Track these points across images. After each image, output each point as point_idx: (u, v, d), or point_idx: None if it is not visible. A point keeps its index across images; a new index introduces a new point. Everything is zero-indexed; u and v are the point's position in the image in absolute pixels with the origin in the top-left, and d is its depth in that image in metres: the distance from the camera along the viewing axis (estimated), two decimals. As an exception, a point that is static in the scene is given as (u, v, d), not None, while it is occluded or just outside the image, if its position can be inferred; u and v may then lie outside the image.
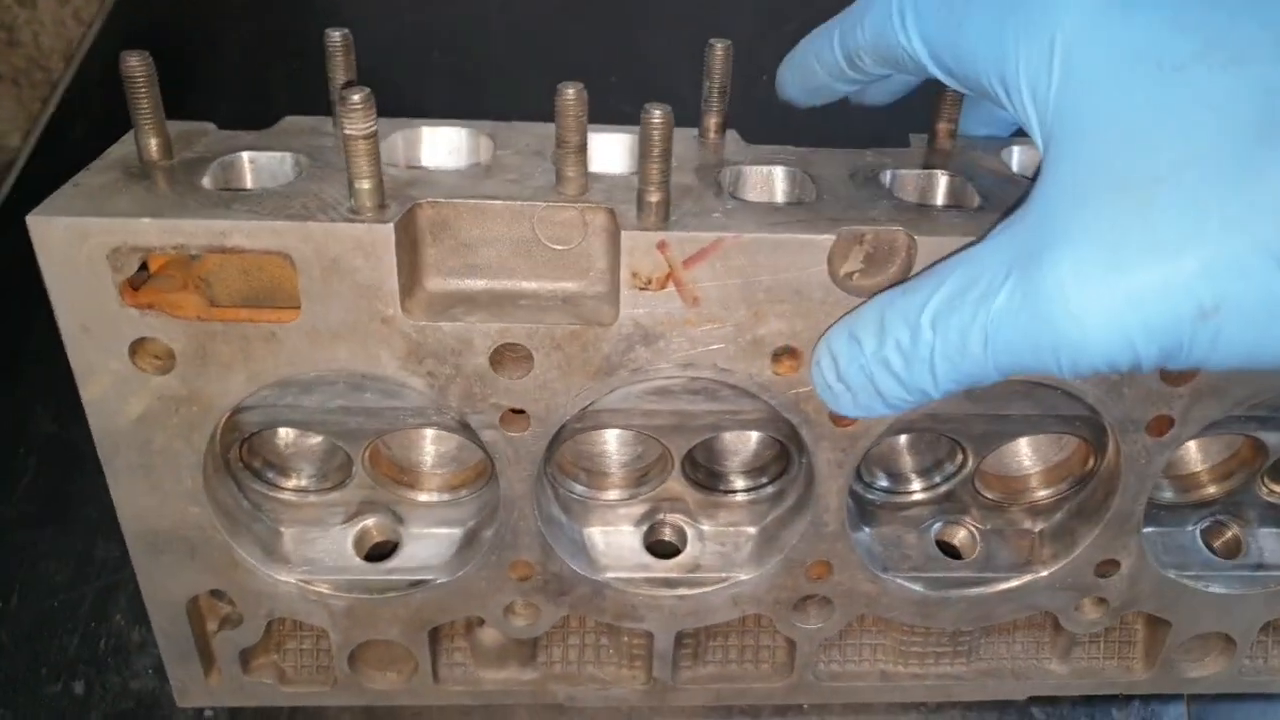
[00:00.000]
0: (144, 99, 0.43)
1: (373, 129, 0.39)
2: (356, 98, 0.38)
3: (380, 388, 0.46)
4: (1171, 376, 0.46)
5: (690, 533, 0.53)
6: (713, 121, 0.50)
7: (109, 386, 0.43)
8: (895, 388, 0.39)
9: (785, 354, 0.44)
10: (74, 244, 0.40)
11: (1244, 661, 0.57)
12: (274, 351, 0.43)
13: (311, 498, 0.51)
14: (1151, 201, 0.32)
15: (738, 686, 0.56)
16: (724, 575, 0.52)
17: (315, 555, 0.51)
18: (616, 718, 0.56)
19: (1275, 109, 0.31)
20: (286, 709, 0.55)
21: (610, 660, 0.56)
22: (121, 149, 0.45)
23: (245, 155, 0.46)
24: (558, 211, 0.43)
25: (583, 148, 0.43)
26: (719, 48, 0.49)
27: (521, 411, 0.45)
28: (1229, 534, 0.55)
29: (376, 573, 0.51)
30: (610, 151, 0.50)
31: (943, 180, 0.49)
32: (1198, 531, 0.55)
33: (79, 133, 0.96)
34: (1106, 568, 0.52)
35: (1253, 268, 0.31)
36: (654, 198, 0.41)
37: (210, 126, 0.49)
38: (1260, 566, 0.54)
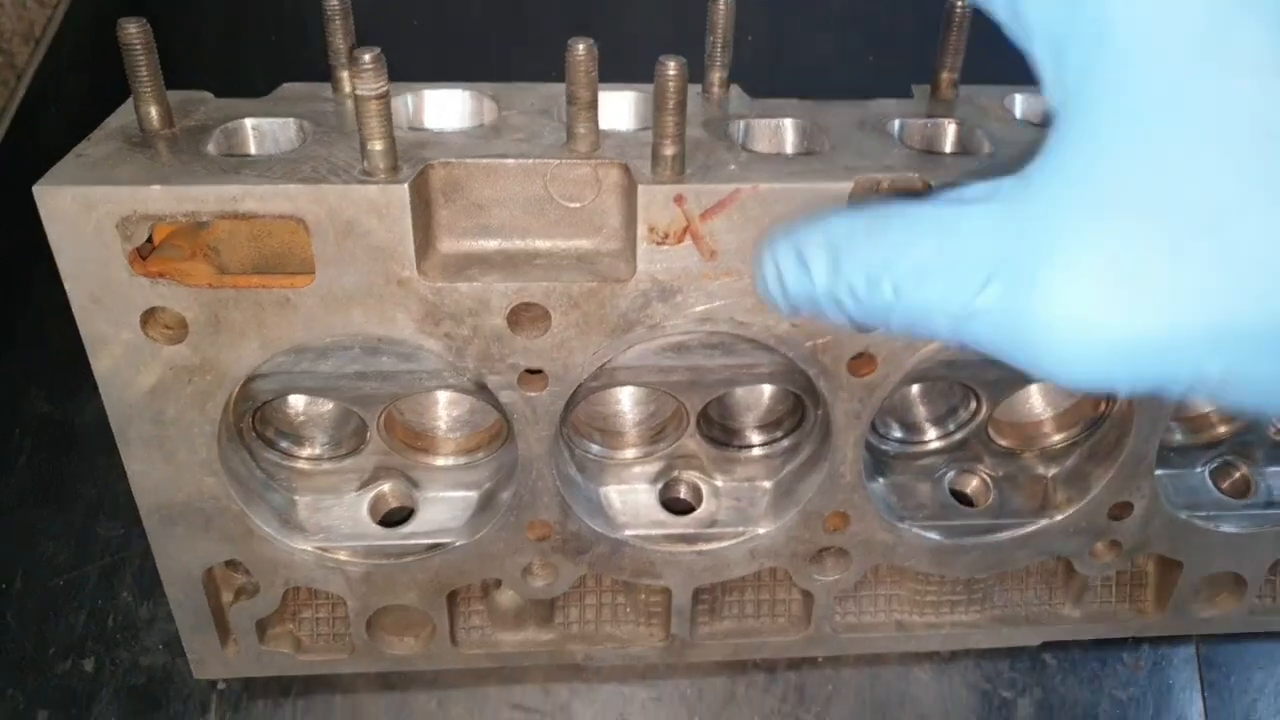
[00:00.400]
0: (143, 67, 0.42)
1: (385, 89, 0.39)
2: (368, 58, 0.38)
3: (396, 351, 0.46)
4: None
5: (706, 489, 0.53)
6: (717, 76, 0.50)
7: (121, 358, 0.43)
8: (843, 320, 0.34)
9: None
10: (82, 213, 0.39)
11: (1254, 600, 0.58)
12: (288, 317, 0.42)
13: (326, 465, 0.51)
14: (1183, 245, 0.26)
15: (754, 641, 0.56)
16: (741, 530, 0.52)
17: (331, 522, 0.51)
18: (634, 675, 0.56)
19: None
20: (301, 678, 0.55)
21: (628, 619, 0.56)
22: (120, 119, 0.44)
23: (248, 122, 0.45)
24: (571, 168, 0.43)
25: (594, 104, 0.42)
26: (722, 3, 0.48)
27: (539, 371, 0.45)
28: (1238, 474, 0.55)
29: (393, 538, 0.51)
30: (616, 110, 0.50)
31: (950, 128, 0.49)
32: (1207, 472, 0.56)
33: (51, 119, 0.94)
34: (1120, 510, 0.52)
35: (1271, 341, 0.26)
36: (669, 151, 0.41)
37: (207, 95, 0.48)
38: (1270, 504, 0.55)
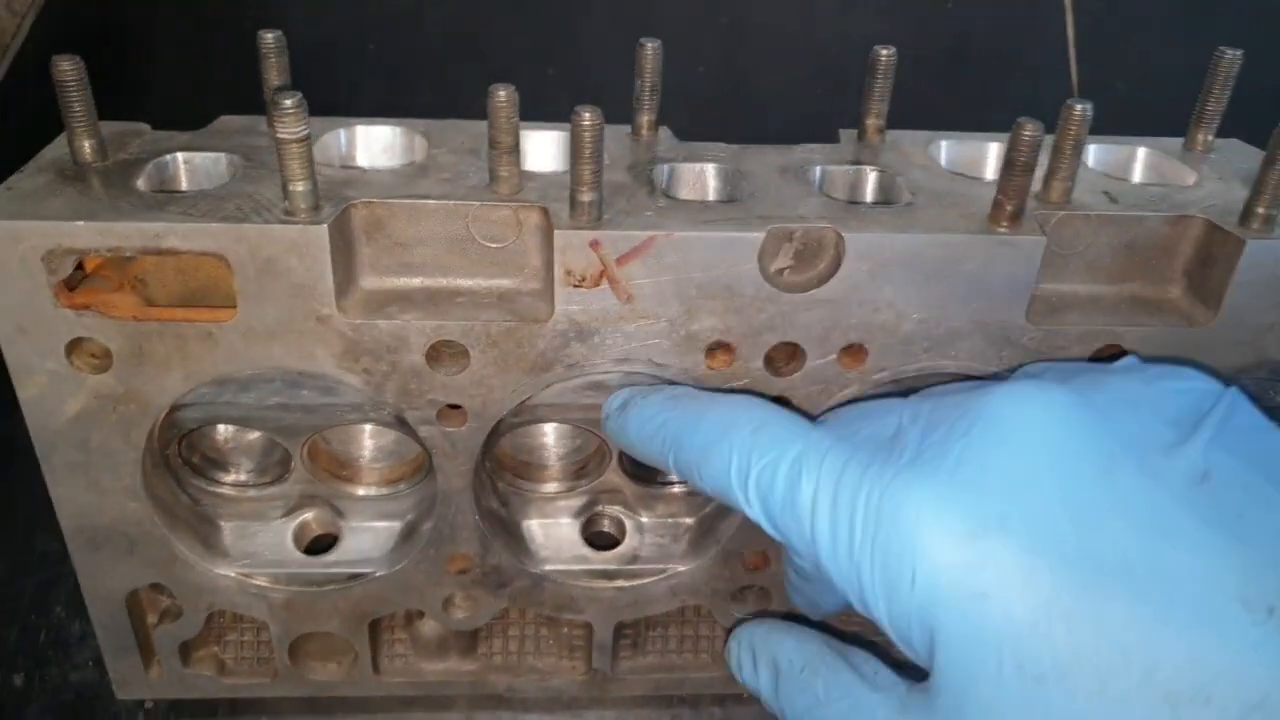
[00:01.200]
0: (76, 102, 0.43)
1: (305, 133, 0.40)
2: (289, 103, 0.39)
3: (317, 384, 0.47)
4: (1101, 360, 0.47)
5: (629, 524, 0.54)
6: (645, 119, 0.51)
7: (46, 386, 0.43)
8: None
9: (719, 348, 0.45)
10: (8, 247, 0.40)
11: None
12: (210, 350, 0.43)
13: (250, 492, 0.52)
14: None
15: (677, 676, 0.57)
16: (662, 566, 0.53)
17: (255, 549, 0.51)
18: (556, 708, 0.57)
19: None
20: (226, 700, 0.56)
21: (550, 651, 0.57)
22: (55, 151, 0.45)
23: (180, 156, 0.46)
24: (491, 210, 0.44)
25: (515, 148, 0.43)
26: (649, 47, 0.49)
27: (458, 407, 0.46)
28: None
29: (316, 566, 0.51)
30: (545, 149, 0.51)
31: (871, 176, 0.50)
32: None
33: (11, 133, 0.95)
34: None
35: None
36: (586, 198, 0.42)
37: (144, 127, 0.49)
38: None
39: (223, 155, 0.47)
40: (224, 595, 0.51)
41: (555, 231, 0.42)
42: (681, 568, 0.52)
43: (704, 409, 0.42)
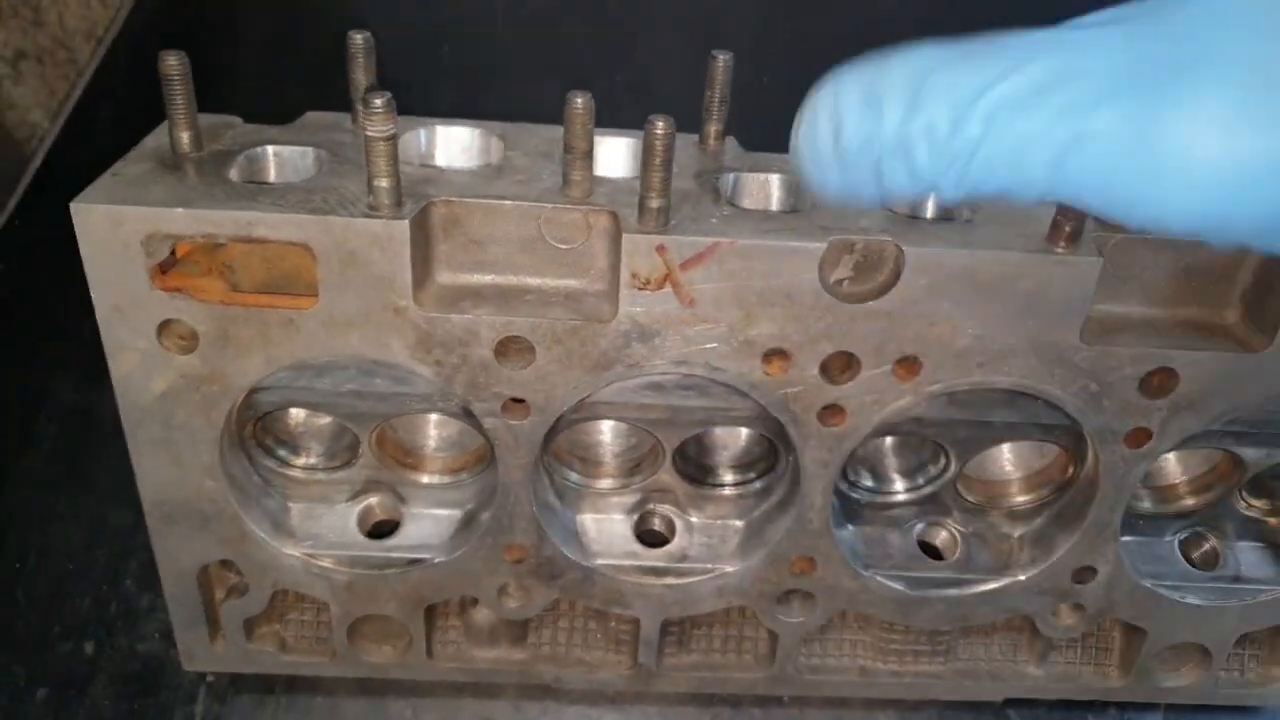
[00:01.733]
0: (179, 95, 0.46)
1: (392, 132, 0.42)
2: (379, 102, 0.41)
3: (390, 374, 0.49)
4: (1151, 388, 0.48)
5: (679, 523, 0.56)
6: (713, 129, 0.52)
7: (136, 364, 0.46)
8: (903, 178, 0.30)
9: (776, 355, 0.46)
10: (111, 230, 0.42)
11: (1220, 673, 0.59)
12: (291, 336, 0.45)
13: (319, 475, 0.54)
14: None
15: (720, 675, 0.58)
16: (710, 566, 0.54)
17: (320, 530, 0.54)
18: (601, 701, 0.58)
19: None
20: (284, 677, 0.58)
21: (597, 645, 0.58)
22: (155, 140, 0.48)
23: (270, 149, 0.49)
24: (563, 213, 0.46)
25: (588, 154, 0.45)
26: (720, 60, 0.51)
27: (522, 400, 0.47)
28: (1207, 546, 0.57)
29: (377, 549, 0.53)
30: (616, 156, 0.53)
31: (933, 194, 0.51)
32: (1176, 542, 0.57)
33: (105, 116, 0.99)
34: (1084, 574, 0.54)
35: None
36: (654, 203, 0.44)
37: (237, 120, 0.51)
38: (1237, 579, 0.56)
39: (310, 149, 0.49)
40: (289, 574, 0.53)
41: (623, 235, 0.43)
42: (729, 568, 0.54)
43: None
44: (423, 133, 0.52)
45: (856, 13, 0.96)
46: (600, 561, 0.54)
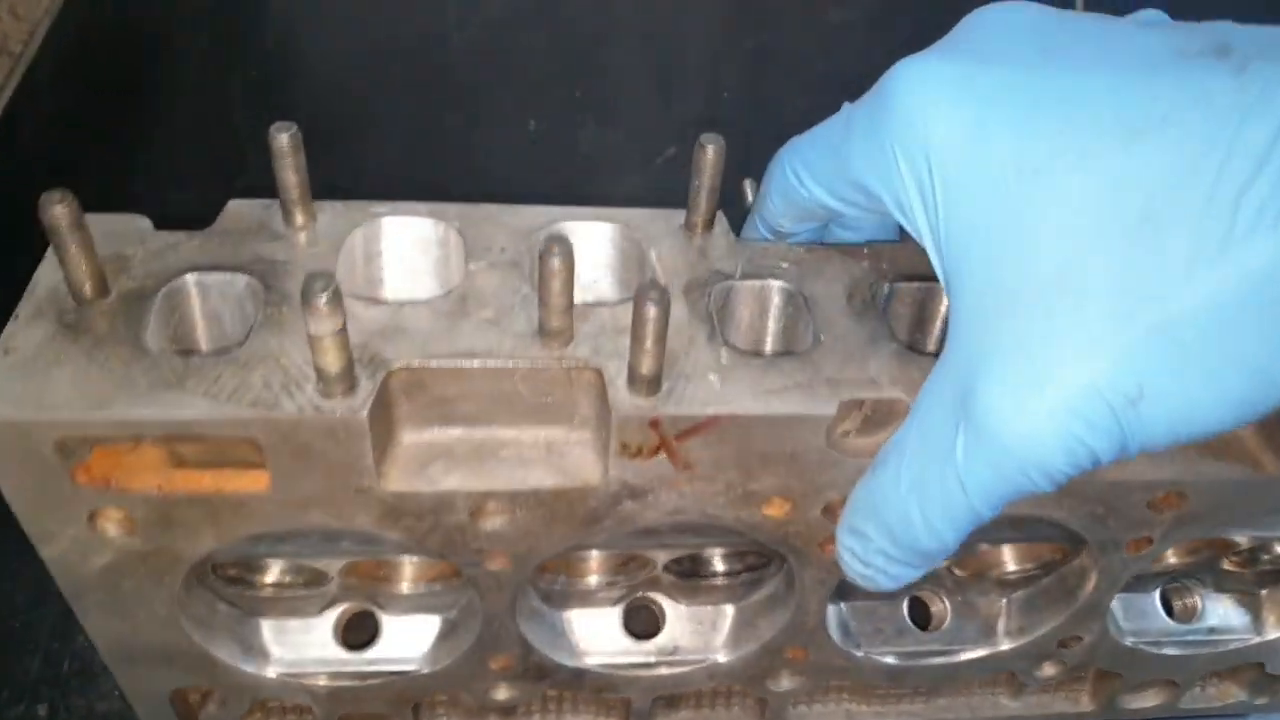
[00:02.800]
0: (72, 245, 0.38)
1: (341, 325, 0.36)
2: (322, 300, 0.35)
3: (357, 536, 0.44)
4: (1158, 506, 0.46)
5: (669, 612, 0.54)
6: (700, 220, 0.46)
7: (69, 548, 0.41)
8: (916, 560, 0.40)
9: (777, 500, 0.43)
10: (18, 439, 0.37)
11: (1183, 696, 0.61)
12: (243, 515, 0.41)
13: (288, 592, 0.51)
14: (1048, 311, 0.33)
15: (710, 729, 0.59)
16: (702, 657, 0.53)
17: (295, 646, 0.51)
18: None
19: (1124, 202, 0.33)
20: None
21: (588, 712, 0.57)
22: (49, 278, 0.41)
23: (191, 283, 0.42)
24: (542, 371, 0.40)
25: (568, 308, 0.40)
26: (710, 149, 0.44)
27: (504, 552, 0.44)
28: (1189, 599, 0.57)
29: (357, 663, 0.51)
30: (595, 245, 0.47)
31: (945, 302, 0.46)
32: (1158, 595, 0.57)
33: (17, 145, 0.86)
34: (1070, 641, 0.54)
35: (1155, 349, 0.32)
36: (646, 372, 0.39)
37: (144, 225, 0.43)
38: (1213, 630, 0.57)
39: (240, 278, 0.42)
40: (267, 689, 0.50)
41: (611, 407, 0.39)
42: (721, 659, 0.52)
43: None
44: (367, 230, 0.45)
45: (810, 24, 0.88)
46: (590, 660, 0.52)
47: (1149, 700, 0.61)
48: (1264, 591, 0.57)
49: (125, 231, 0.43)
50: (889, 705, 0.60)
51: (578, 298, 0.40)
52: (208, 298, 0.42)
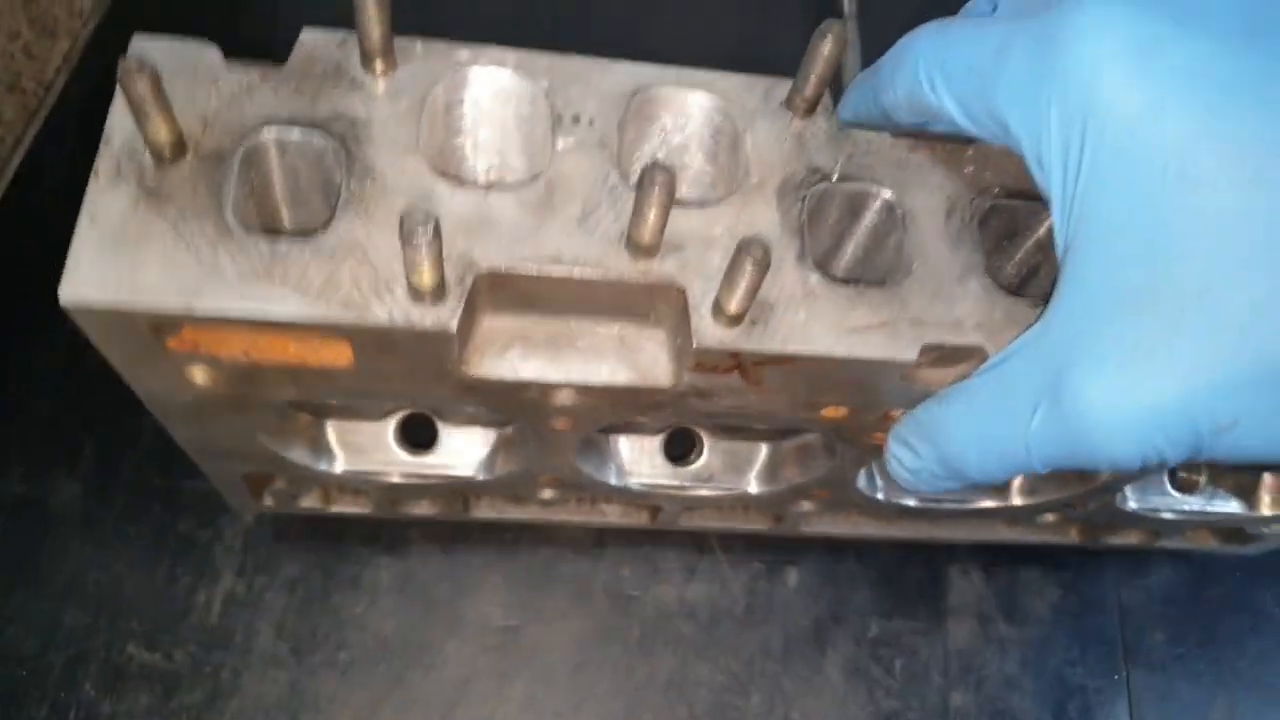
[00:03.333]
0: (152, 114, 0.36)
1: (438, 253, 0.35)
2: (423, 244, 0.34)
3: (433, 399, 0.46)
4: None
5: (708, 443, 0.57)
6: (803, 102, 0.43)
7: (159, 388, 0.43)
8: (959, 482, 0.42)
9: (834, 409, 0.45)
10: (113, 322, 0.37)
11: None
12: (326, 380, 0.42)
13: (354, 402, 0.53)
14: (1173, 326, 0.33)
15: (729, 525, 0.64)
16: (733, 487, 0.57)
17: (359, 446, 0.54)
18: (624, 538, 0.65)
19: None
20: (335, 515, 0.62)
21: (619, 504, 0.63)
22: (125, 128, 0.39)
23: (271, 142, 0.40)
24: (626, 283, 0.40)
25: (661, 230, 0.38)
26: (829, 39, 0.40)
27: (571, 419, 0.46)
28: (1194, 475, 0.60)
29: (416, 465, 0.55)
30: (684, 110, 0.44)
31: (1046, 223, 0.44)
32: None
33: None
34: (1078, 503, 0.58)
35: (1267, 390, 0.32)
36: (734, 311, 0.38)
37: (214, 60, 0.40)
38: (1209, 504, 0.61)
39: (320, 139, 0.40)
40: (331, 481, 0.55)
41: (693, 333, 0.39)
42: (753, 490, 0.57)
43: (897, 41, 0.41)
44: (449, 82, 0.42)
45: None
46: (631, 480, 0.56)
47: (1130, 539, 0.67)
48: (1266, 476, 0.60)
49: (196, 67, 0.40)
50: (893, 522, 0.65)
51: None
52: (287, 156, 0.41)
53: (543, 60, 0.43)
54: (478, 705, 0.61)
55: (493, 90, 0.43)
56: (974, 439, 0.39)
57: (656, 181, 0.36)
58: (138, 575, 0.61)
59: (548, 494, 0.57)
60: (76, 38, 0.79)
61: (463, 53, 0.42)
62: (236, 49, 0.41)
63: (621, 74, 0.43)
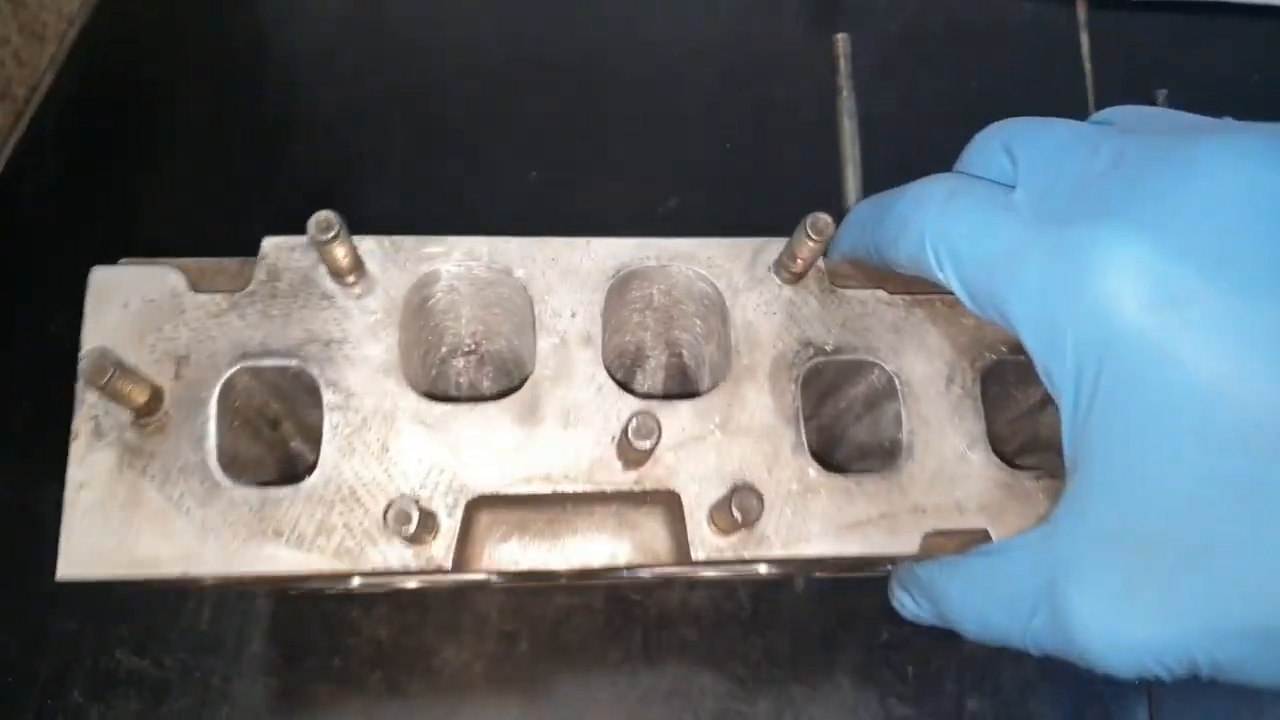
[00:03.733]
0: (119, 396, 0.36)
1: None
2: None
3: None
4: None
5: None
6: (790, 270, 0.41)
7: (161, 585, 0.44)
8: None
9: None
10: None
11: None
12: (323, 578, 0.43)
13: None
14: (1163, 564, 0.33)
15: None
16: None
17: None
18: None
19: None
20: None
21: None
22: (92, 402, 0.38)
23: (246, 378, 0.39)
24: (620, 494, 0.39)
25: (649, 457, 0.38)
26: (823, 225, 0.38)
27: None
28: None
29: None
30: (671, 286, 0.42)
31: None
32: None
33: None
34: None
35: (1249, 634, 0.32)
36: (728, 530, 0.38)
37: (178, 285, 0.39)
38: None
39: (294, 364, 0.39)
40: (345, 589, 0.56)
41: (690, 541, 0.39)
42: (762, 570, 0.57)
43: (901, 191, 0.40)
44: (419, 286, 0.40)
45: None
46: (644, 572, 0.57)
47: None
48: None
49: (161, 297, 0.39)
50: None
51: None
52: (264, 376, 0.40)
53: (517, 248, 0.41)
54: (475, 714, 0.60)
55: (468, 282, 0.41)
56: (973, 616, 0.40)
57: (644, 434, 0.35)
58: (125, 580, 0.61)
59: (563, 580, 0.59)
60: (63, 39, 0.76)
61: (432, 247, 0.41)
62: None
63: (602, 253, 0.41)
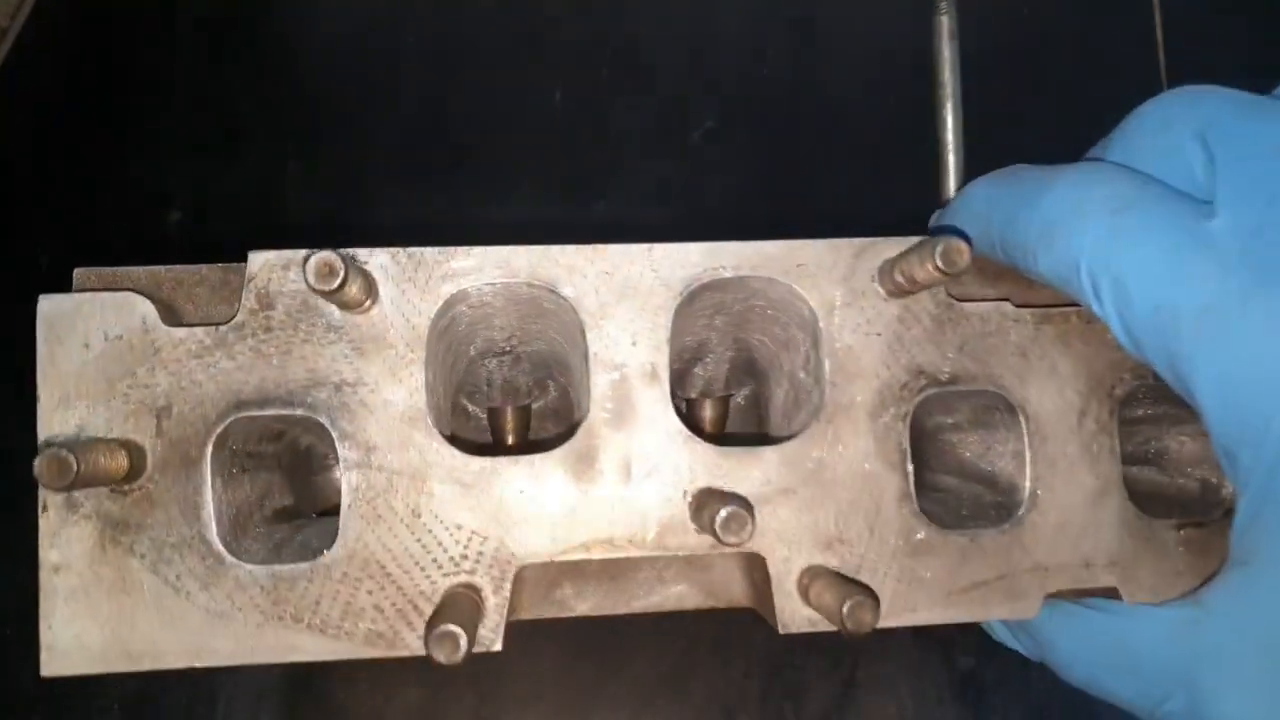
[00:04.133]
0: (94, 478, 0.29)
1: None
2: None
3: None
4: None
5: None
6: (903, 280, 0.33)
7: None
8: None
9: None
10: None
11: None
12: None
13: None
14: None
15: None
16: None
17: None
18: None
19: None
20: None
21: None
22: (66, 432, 0.31)
23: (244, 422, 0.32)
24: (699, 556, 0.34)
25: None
26: (964, 251, 0.30)
27: None
28: None
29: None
30: (747, 299, 0.35)
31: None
32: None
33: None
34: None
35: None
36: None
37: (149, 316, 0.32)
38: None
39: (303, 417, 0.32)
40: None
41: (778, 620, 0.33)
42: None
43: (1047, 183, 0.32)
44: (441, 313, 0.33)
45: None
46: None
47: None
48: None
49: (130, 334, 0.32)
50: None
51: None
52: (260, 430, 0.33)
53: (562, 258, 0.33)
54: (470, 712, 0.57)
55: (505, 297, 0.34)
56: (1083, 672, 0.35)
57: (735, 528, 0.29)
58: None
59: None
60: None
61: (459, 260, 0.33)
62: None
63: (666, 264, 0.33)
